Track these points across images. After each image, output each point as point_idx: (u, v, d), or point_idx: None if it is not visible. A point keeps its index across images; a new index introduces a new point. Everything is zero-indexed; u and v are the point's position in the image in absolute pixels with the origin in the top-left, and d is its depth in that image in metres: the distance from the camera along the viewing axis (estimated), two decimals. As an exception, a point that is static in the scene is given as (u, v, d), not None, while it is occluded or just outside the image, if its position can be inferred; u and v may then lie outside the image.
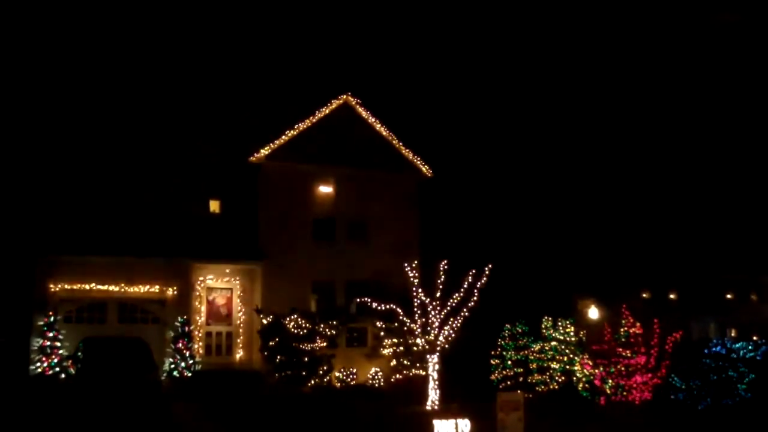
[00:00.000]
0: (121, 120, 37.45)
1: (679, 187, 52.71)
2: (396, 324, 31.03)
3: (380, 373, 33.45)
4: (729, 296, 51.27)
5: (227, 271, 33.83)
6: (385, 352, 33.60)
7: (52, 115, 37.01)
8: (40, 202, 32.91)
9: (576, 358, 32.08)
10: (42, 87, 38.56)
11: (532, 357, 33.25)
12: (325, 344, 32.28)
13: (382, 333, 33.55)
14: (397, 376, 33.25)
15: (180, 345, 30.56)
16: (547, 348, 33.06)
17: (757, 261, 49.91)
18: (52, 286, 30.35)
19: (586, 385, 30.36)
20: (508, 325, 34.48)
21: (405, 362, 33.32)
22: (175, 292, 32.03)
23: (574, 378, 31.71)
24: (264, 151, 34.37)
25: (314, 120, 35.39)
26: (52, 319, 29.48)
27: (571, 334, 33.21)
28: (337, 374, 32.77)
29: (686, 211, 51.46)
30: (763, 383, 30.17)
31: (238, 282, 34.09)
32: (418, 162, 36.82)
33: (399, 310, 28.57)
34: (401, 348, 33.28)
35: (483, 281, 28.03)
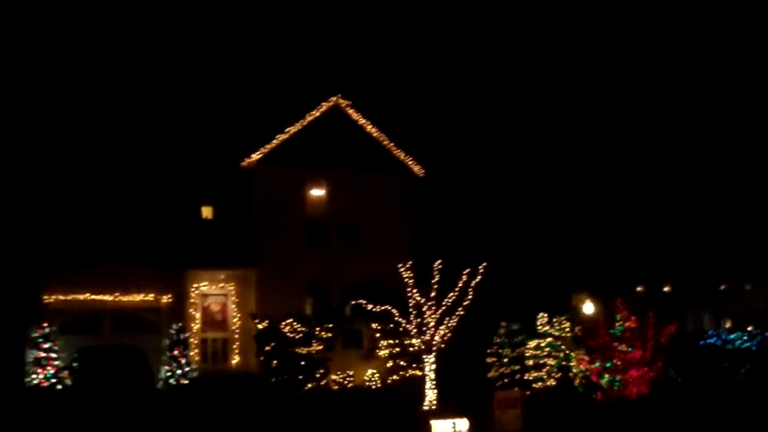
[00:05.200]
0: (111, 128, 37.44)
1: (671, 180, 52.78)
2: (392, 325, 31.08)
3: (377, 375, 33.46)
4: (723, 287, 51.29)
5: (222, 277, 33.82)
6: (382, 353, 33.59)
7: (43, 123, 36.97)
8: (32, 213, 32.83)
9: (572, 353, 32.13)
10: (32, 94, 38.49)
11: (528, 354, 33.27)
12: (321, 347, 32.28)
13: (378, 334, 33.55)
14: (394, 377, 33.27)
15: (176, 352, 30.54)
16: (542, 344, 33.08)
17: (751, 251, 49.96)
18: (46, 297, 30.38)
19: (583, 381, 30.38)
20: (503, 323, 34.51)
21: (401, 363, 33.33)
22: (170, 300, 32.05)
23: (571, 374, 31.75)
24: (255, 156, 34.41)
25: (305, 123, 35.41)
26: (47, 330, 29.42)
27: (567, 330, 33.26)
28: (333, 377, 32.76)
29: (679, 204, 51.53)
30: (759, 374, 30.24)
31: (232, 288, 34.07)
32: (410, 162, 36.85)
33: (394, 311, 28.60)
34: (397, 349, 33.29)
35: (477, 280, 28.08)
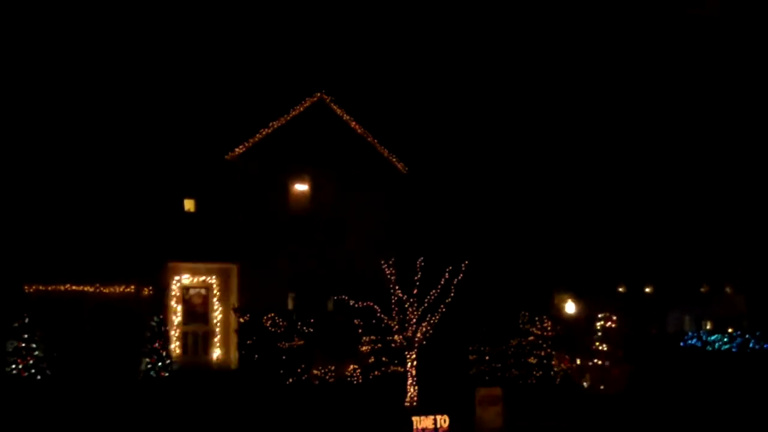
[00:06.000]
0: (95, 119, 37.15)
1: (652, 181, 52.99)
2: (374, 321, 31.00)
3: (359, 371, 33.40)
4: (704, 289, 51.58)
5: (203, 270, 33.71)
6: (364, 349, 33.55)
7: (24, 113, 36.62)
8: (13, 203, 32.57)
9: (553, 352, 32.24)
10: (12, 86, 38.14)
11: (510, 352, 33.35)
12: (302, 342, 32.21)
13: (359, 330, 33.50)
14: (376, 372, 33.22)
15: (156, 345, 30.41)
16: (524, 343, 33.18)
17: (732, 253, 50.26)
18: (26, 287, 30.15)
19: (564, 379, 30.51)
20: (485, 321, 34.55)
21: (383, 359, 33.30)
22: (151, 292, 31.90)
23: (552, 372, 31.85)
24: (239, 150, 34.30)
25: (289, 118, 35.31)
26: (26, 320, 29.23)
27: (549, 328, 33.35)
28: (315, 372, 32.66)
29: (661, 206, 51.74)
30: (738, 375, 30.46)
31: (214, 281, 33.95)
32: (394, 159, 36.82)
33: (376, 307, 28.55)
34: (379, 345, 33.25)
35: (460, 277, 28.06)
